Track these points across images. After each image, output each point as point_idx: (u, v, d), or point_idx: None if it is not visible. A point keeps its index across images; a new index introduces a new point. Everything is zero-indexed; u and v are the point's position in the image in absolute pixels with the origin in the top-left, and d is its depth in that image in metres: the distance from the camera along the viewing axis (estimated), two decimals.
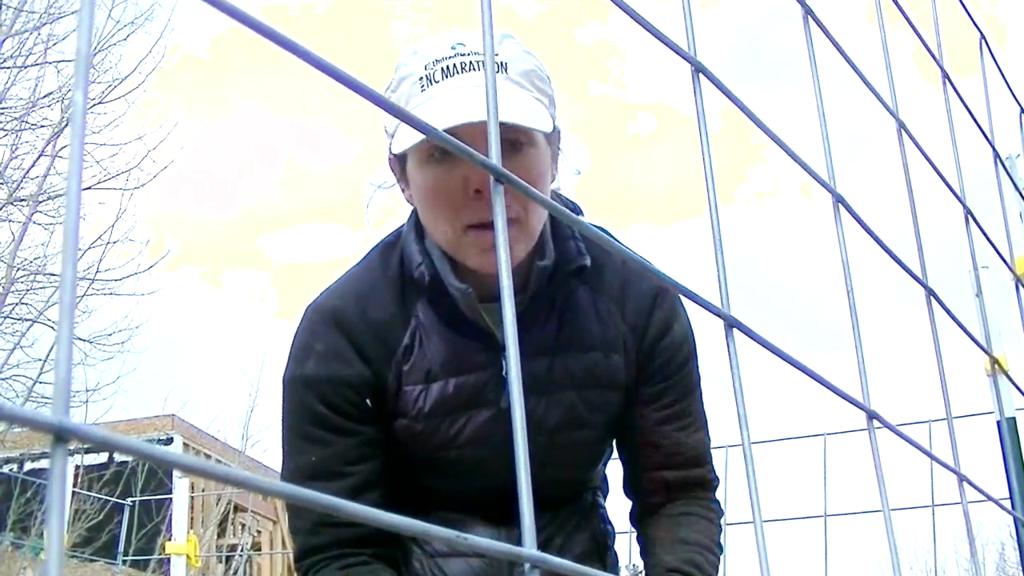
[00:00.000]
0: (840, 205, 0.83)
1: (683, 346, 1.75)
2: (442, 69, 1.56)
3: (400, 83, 1.59)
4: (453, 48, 1.57)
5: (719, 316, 0.62)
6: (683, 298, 1.73)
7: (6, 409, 0.30)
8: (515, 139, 1.55)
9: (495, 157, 0.51)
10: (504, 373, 1.67)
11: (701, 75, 0.67)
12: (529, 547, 0.43)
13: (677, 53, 0.64)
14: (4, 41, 9.18)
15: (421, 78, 1.56)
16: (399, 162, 1.65)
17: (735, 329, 0.63)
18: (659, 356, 1.73)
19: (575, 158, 1.78)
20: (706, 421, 1.80)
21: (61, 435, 0.30)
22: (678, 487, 1.77)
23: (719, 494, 1.82)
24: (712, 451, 1.82)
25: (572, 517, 1.82)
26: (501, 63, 1.58)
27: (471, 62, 1.56)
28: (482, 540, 0.42)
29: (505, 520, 1.75)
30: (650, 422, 1.75)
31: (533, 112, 1.55)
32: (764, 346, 0.66)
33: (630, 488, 1.83)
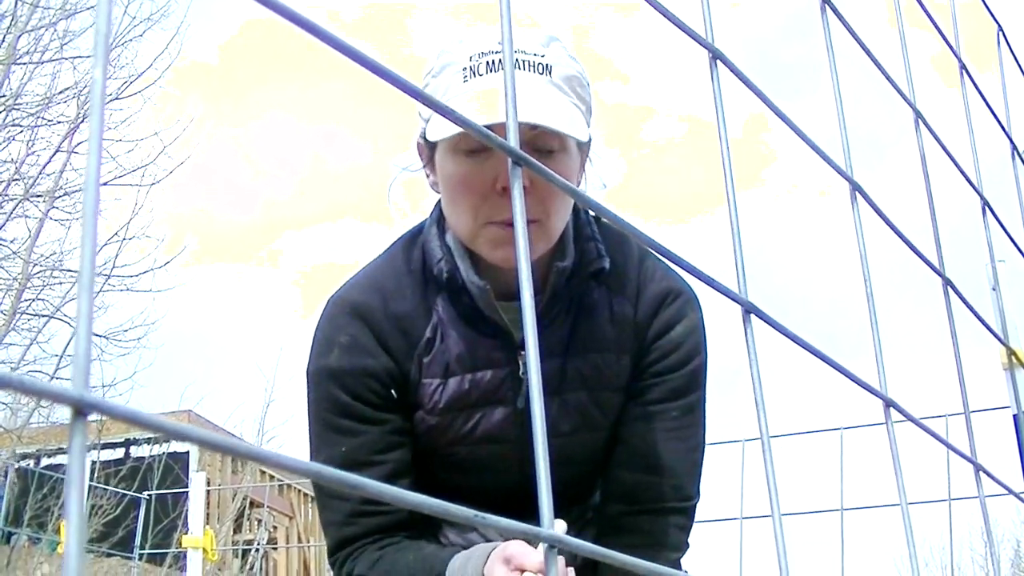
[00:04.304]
0: (857, 193, 0.83)
1: (679, 349, 1.71)
2: (487, 63, 1.57)
3: (443, 69, 1.60)
4: (500, 44, 1.58)
5: (736, 301, 0.62)
6: (700, 300, 1.75)
7: (28, 383, 0.30)
8: (549, 146, 1.56)
9: (513, 140, 0.51)
10: (521, 373, 1.67)
11: (719, 62, 0.67)
12: (547, 527, 0.43)
13: (695, 39, 0.64)
14: (20, 37, 9.22)
15: (464, 68, 1.58)
16: (428, 148, 1.65)
17: (752, 315, 0.63)
18: (652, 352, 1.71)
19: (604, 169, 1.78)
20: (693, 439, 1.74)
21: (81, 408, 0.30)
22: (635, 495, 1.71)
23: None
24: (692, 473, 1.73)
25: (586, 512, 1.82)
26: (546, 65, 1.58)
27: (516, 60, 1.56)
28: (500, 520, 0.42)
29: (521, 518, 1.75)
30: (627, 417, 1.72)
31: (571, 119, 1.56)
32: (781, 332, 0.65)
33: (599, 491, 1.81)
